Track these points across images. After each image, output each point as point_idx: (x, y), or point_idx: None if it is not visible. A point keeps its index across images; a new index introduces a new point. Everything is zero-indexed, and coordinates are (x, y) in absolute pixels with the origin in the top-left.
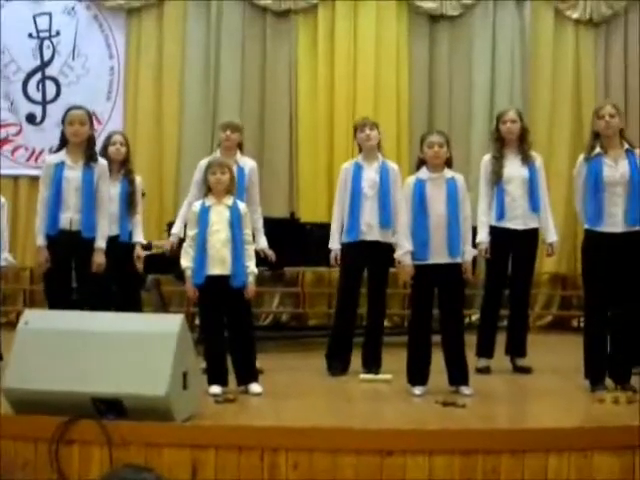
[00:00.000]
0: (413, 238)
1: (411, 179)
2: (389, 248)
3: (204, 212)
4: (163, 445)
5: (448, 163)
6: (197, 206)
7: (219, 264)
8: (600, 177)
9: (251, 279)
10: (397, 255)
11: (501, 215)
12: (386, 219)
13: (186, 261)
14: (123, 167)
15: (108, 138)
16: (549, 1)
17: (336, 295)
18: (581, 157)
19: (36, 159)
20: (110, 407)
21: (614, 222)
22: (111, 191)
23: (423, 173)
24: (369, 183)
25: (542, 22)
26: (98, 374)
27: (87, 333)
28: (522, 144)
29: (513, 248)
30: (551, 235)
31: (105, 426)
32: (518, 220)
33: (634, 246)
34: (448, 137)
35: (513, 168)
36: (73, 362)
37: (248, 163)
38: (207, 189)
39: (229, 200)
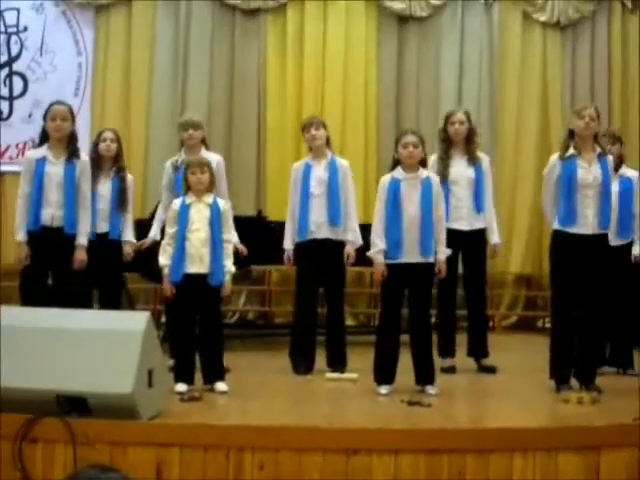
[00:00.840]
0: (386, 237)
1: (386, 178)
2: (340, 245)
3: (184, 210)
4: (128, 444)
5: (422, 163)
6: (177, 204)
7: (197, 262)
8: (574, 178)
9: (228, 278)
10: (370, 253)
11: (446, 216)
12: (335, 216)
13: (164, 259)
14: (115, 164)
15: (99, 135)
16: (517, 3)
17: (295, 295)
18: (555, 156)
19: (2, 155)
20: (74, 405)
21: (585, 224)
22: (102, 188)
23: (398, 173)
24: (317, 182)
25: (510, 24)
26: (63, 372)
27: (52, 330)
28: (469, 145)
29: (461, 249)
30: (495, 237)
31: (69, 424)
32: (463, 221)
33: (603, 248)
34: (423, 137)
35: (459, 169)
36: (37, 359)
37: (214, 158)
38: (187, 188)
39: (209, 198)
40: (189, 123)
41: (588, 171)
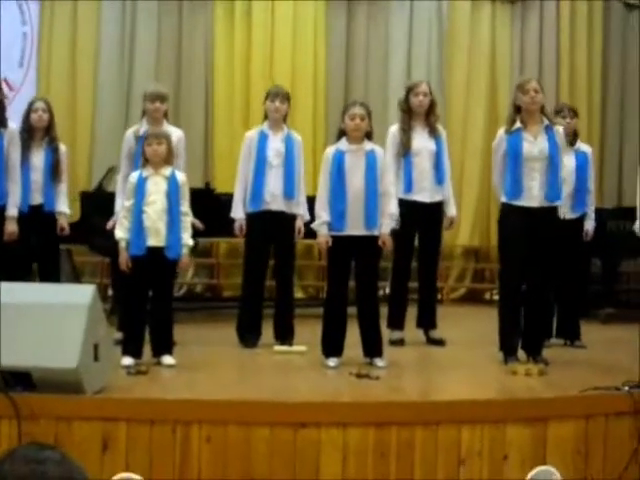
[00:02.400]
0: (331, 209)
1: (330, 150)
2: (293, 218)
3: (141, 183)
4: (73, 418)
5: (368, 135)
6: (134, 177)
7: (154, 235)
8: (519, 152)
9: (185, 251)
10: (314, 225)
11: (409, 188)
12: (290, 189)
13: (121, 232)
14: (47, 134)
15: (30, 105)
16: None
17: (243, 266)
18: (501, 131)
19: None
20: (18, 380)
21: (531, 196)
22: (35, 159)
23: (343, 144)
24: (275, 152)
25: None
26: (7, 346)
27: None
28: (429, 117)
29: (420, 221)
30: (451, 209)
31: (14, 399)
32: (425, 193)
33: (549, 221)
34: (370, 109)
35: (421, 141)
36: None
37: (175, 132)
38: (144, 160)
39: (167, 171)
40: (157, 95)
41: (533, 144)
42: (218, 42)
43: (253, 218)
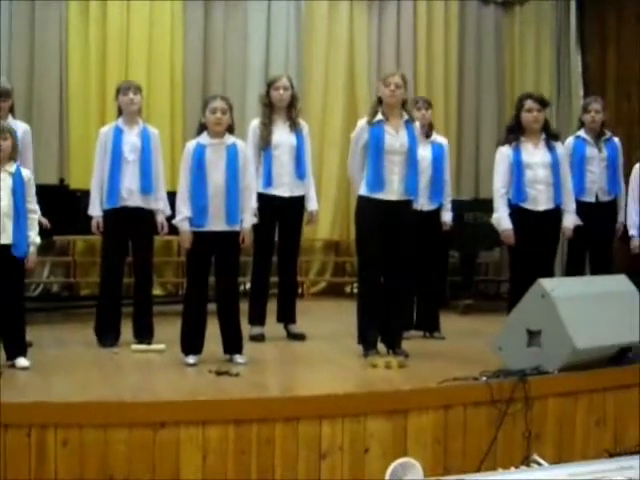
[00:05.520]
0: (191, 204)
1: (191, 144)
2: (151, 214)
3: None
4: None
5: (230, 129)
6: None
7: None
8: (381, 144)
9: (32, 249)
10: (175, 221)
11: (268, 182)
12: (147, 185)
13: None
14: None
15: None
16: None
17: (100, 264)
18: (363, 121)
19: None
20: None
21: (391, 190)
22: None
23: (204, 138)
24: (130, 147)
25: None
26: None
27: None
28: (290, 111)
29: (280, 215)
30: (312, 203)
31: None
32: (285, 187)
33: (406, 213)
34: (231, 103)
35: (281, 135)
36: None
37: (20, 126)
38: None
39: (11, 167)
40: (0, 92)
41: (395, 138)
42: (72, 37)
43: (110, 215)
